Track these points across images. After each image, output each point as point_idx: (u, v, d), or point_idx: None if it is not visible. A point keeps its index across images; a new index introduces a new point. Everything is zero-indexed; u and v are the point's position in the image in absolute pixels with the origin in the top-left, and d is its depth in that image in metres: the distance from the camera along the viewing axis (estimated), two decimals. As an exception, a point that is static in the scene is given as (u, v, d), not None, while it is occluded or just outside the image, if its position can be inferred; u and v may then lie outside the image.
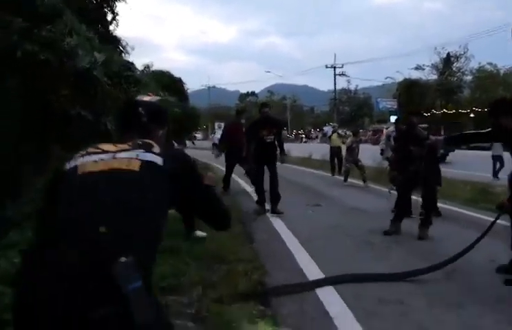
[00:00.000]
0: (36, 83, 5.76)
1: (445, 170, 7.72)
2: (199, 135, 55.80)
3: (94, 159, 1.46)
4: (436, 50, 53.33)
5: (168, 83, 12.46)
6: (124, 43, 11.90)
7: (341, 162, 14.43)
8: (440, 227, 6.15)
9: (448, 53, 53.18)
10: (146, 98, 1.96)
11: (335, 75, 54.50)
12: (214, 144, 35.57)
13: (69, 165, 1.48)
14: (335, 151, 14.62)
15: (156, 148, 1.51)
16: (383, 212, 6.67)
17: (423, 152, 5.71)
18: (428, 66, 54.34)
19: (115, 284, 1.17)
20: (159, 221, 1.44)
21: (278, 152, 7.77)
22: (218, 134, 40.96)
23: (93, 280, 1.20)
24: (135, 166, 1.42)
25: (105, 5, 11.89)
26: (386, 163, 10.15)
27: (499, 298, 3.65)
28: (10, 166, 5.22)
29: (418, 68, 54.81)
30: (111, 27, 12.07)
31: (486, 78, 52.52)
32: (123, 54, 11.48)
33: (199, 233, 5.22)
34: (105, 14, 12.12)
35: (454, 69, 54.15)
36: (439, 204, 7.30)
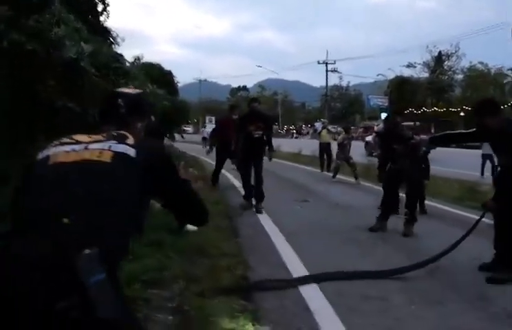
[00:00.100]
0: (24, 73, 5.69)
1: (433, 168, 7.76)
2: (189, 129, 55.64)
3: (66, 150, 1.44)
4: (428, 48, 53.74)
5: (158, 76, 12.36)
6: (114, 34, 11.76)
7: (330, 158, 14.48)
8: (426, 225, 6.21)
9: (439, 52, 53.61)
10: (127, 90, 1.95)
11: (327, 71, 54.74)
12: (204, 138, 35.54)
13: (41, 155, 1.47)
14: (324, 147, 14.66)
15: (130, 140, 1.50)
16: (370, 209, 6.71)
17: (407, 151, 5.75)
18: (420, 64, 54.73)
19: (78, 276, 1.16)
20: (133, 213, 1.43)
21: (267, 148, 7.77)
22: (208, 128, 41.04)
23: (58, 272, 1.18)
24: (107, 157, 1.41)
25: (95, -5, 11.73)
26: (372, 159, 10.22)
27: (481, 295, 3.69)
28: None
29: (409, 66, 55.18)
30: (101, 18, 11.93)
31: (477, 77, 53.00)
32: (113, 45, 11.36)
33: (190, 227, 5.19)
34: (95, 5, 11.97)
35: (445, 67, 54.59)
36: (425, 202, 7.36)
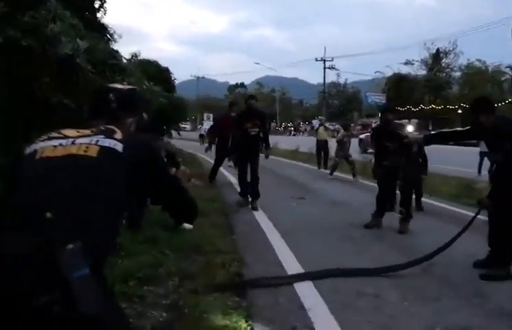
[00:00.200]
0: (21, 71, 5.67)
1: (430, 165, 7.76)
2: (187, 126, 55.59)
3: (54, 144, 1.45)
4: (426, 46, 53.78)
5: (155, 73, 12.32)
6: (111, 31, 11.73)
7: (327, 156, 14.50)
8: (421, 222, 6.22)
9: (437, 49, 53.64)
10: (119, 85, 1.95)
11: (325, 68, 54.70)
12: (201, 135, 35.59)
13: (29, 149, 1.47)
14: (321, 144, 14.67)
15: (118, 134, 1.50)
16: (367, 206, 6.70)
17: (401, 149, 5.75)
18: (417, 61, 54.76)
19: (61, 271, 1.16)
20: (119, 208, 1.44)
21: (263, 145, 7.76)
22: (206, 125, 41.12)
23: (41, 267, 1.18)
24: (93, 152, 1.42)
25: (92, -8, 11.69)
26: (367, 156, 10.21)
27: (477, 292, 3.69)
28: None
29: (407, 63, 55.23)
30: (98, 15, 11.90)
31: (474, 74, 53.04)
32: (110, 42, 11.33)
33: (187, 225, 5.20)
34: (93, 1, 11.93)
35: (443, 64, 54.63)
36: (422, 199, 7.37)
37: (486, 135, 4.39)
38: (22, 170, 1.43)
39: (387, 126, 6.14)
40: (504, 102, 38.60)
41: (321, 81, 56.95)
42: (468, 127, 4.64)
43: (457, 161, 14.76)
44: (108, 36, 11.93)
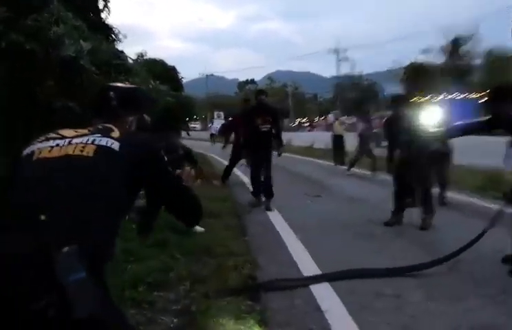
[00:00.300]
0: (23, 74, 5.76)
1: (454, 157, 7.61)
2: (197, 126, 55.84)
3: (51, 145, 1.47)
4: (444, 33, 53.06)
5: (161, 72, 12.45)
6: (116, 31, 11.84)
7: (343, 151, 14.41)
8: (445, 217, 6.12)
9: (456, 36, 52.89)
10: (120, 84, 1.97)
11: (338, 60, 54.36)
12: (212, 135, 35.67)
13: (27, 150, 1.50)
14: (338, 139, 14.59)
15: (115, 133, 1.51)
16: (386, 203, 6.61)
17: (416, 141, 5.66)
18: (436, 49, 54.07)
19: (56, 274, 1.17)
20: (119, 209, 1.45)
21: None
22: (216, 123, 41.19)
23: (36, 270, 1.19)
24: (90, 152, 1.43)
25: (96, -8, 11.80)
26: (382, 150, 10.07)
27: (504, 289, 3.62)
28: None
29: (425, 51, 54.52)
30: (102, 15, 12.02)
31: (496, 61, 52.12)
32: (115, 42, 11.44)
33: (198, 228, 5.22)
34: (96, 1, 12.05)
35: (463, 52, 53.84)
36: (445, 192, 7.25)
37: (507, 124, 4.28)
38: (20, 171, 1.45)
39: (400, 117, 6.05)
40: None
41: (335, 74, 56.69)
42: (488, 117, 4.53)
43: (483, 151, 14.50)
44: (113, 36, 12.04)
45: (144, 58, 13.80)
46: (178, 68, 15.22)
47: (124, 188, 1.44)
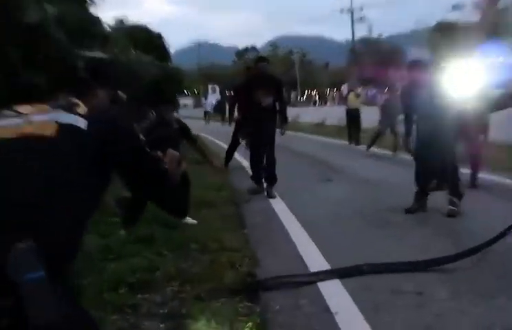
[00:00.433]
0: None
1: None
2: (188, 102, 55.64)
3: (5, 123, 1.46)
4: (478, -16, 52.47)
5: (145, 40, 12.39)
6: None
7: (359, 127, 14.41)
8: (475, 201, 6.15)
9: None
10: (90, 53, 1.98)
11: (352, 21, 53.88)
12: (206, 113, 35.56)
13: None
14: (352, 114, 14.57)
15: (82, 109, 1.51)
16: (409, 186, 6.63)
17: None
18: (468, 3, 53.49)
19: (9, 274, 1.17)
20: (85, 198, 1.44)
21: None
22: (211, 99, 41.03)
23: None
24: (51, 131, 1.43)
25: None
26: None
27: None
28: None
29: (455, 8, 53.93)
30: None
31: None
32: (90, 7, 11.39)
33: (189, 220, 5.26)
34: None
35: (502, 6, 53.30)
36: (477, 173, 7.25)
37: None
38: None
39: (415, 86, 6.00)
40: None
41: (349, 37, 56.25)
42: None
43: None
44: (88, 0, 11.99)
45: (125, 24, 13.71)
46: (165, 35, 15.13)
47: (92, 172, 1.44)
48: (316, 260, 4.26)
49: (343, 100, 20.28)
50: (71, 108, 1.51)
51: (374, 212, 5.98)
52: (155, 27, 14.75)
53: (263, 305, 3.36)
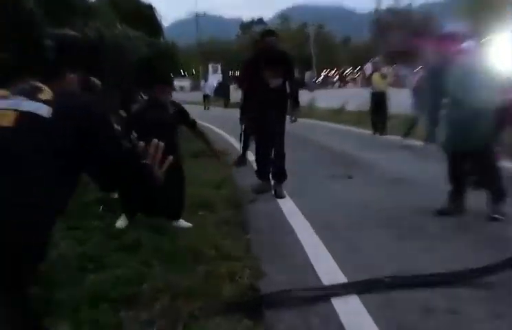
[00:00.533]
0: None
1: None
2: (185, 84, 55.72)
3: None
4: None
5: (133, 11, 12.41)
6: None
7: (386, 114, 14.35)
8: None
9: None
10: (60, 31, 1.98)
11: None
12: (206, 96, 35.65)
13: None
14: (377, 98, 14.53)
15: (46, 94, 1.52)
16: (443, 184, 6.60)
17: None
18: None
19: None
20: (48, 196, 1.45)
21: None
22: (212, 80, 41.07)
23: None
24: (9, 121, 1.45)
25: None
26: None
27: None
28: None
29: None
30: None
31: None
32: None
33: (183, 223, 5.26)
34: None
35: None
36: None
37: None
38: None
39: (444, 65, 5.93)
40: None
41: (373, 8, 56.06)
42: None
43: None
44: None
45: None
46: (158, 5, 15.11)
47: (56, 166, 1.45)
48: (330, 272, 4.27)
49: (367, 81, 20.21)
50: (33, 94, 1.51)
51: (401, 214, 5.97)
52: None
53: (267, 324, 3.36)
